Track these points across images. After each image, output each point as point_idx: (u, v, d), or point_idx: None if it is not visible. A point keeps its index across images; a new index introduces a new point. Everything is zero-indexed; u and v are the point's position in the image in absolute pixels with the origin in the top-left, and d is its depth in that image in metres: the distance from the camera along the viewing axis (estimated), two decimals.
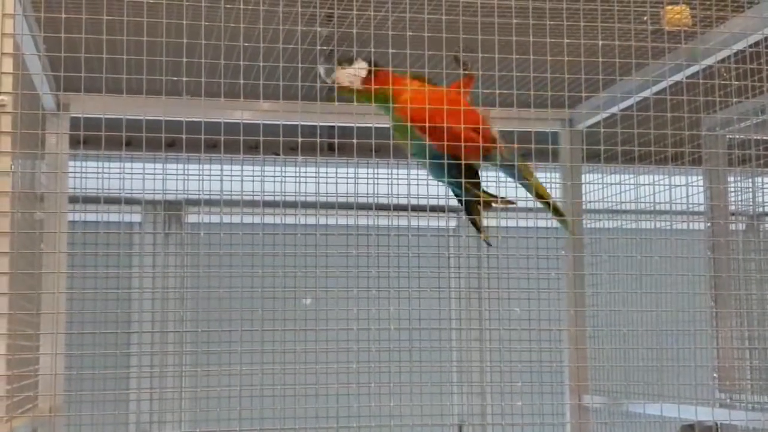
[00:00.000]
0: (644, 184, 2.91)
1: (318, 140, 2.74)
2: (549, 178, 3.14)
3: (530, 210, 3.16)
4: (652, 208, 3.01)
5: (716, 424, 2.44)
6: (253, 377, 2.78)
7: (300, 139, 2.68)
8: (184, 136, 2.59)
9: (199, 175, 2.99)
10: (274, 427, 2.55)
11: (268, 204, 3.01)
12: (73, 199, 3.08)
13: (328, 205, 3.14)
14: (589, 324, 2.98)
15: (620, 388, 2.88)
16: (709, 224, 2.96)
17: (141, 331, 2.77)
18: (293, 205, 3.17)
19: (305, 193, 3.11)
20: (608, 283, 3.01)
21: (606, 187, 3.07)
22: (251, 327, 2.76)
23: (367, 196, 3.19)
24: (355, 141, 2.74)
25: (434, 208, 3.17)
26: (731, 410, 2.45)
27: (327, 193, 3.09)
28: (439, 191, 3.07)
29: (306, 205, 3.19)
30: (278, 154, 3.16)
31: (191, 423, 2.95)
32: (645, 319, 2.78)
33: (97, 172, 2.91)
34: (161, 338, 3.08)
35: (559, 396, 2.94)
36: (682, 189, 2.93)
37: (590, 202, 3.07)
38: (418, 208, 3.09)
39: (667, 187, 2.84)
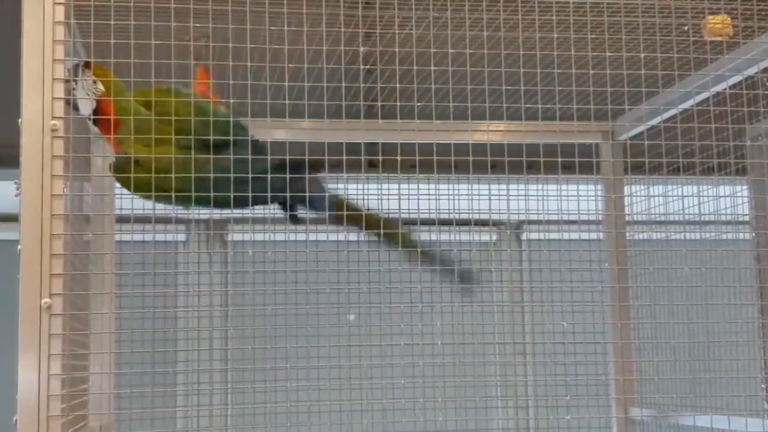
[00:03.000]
0: (688, 196, 2.89)
1: (362, 157, 2.77)
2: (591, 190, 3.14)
3: (573, 222, 3.16)
4: (696, 219, 3.00)
5: None
6: (299, 393, 2.80)
7: (344, 156, 2.71)
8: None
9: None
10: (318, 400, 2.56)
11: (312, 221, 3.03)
12: (120, 219, 3.12)
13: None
14: (634, 336, 2.96)
15: (667, 401, 2.86)
16: (754, 234, 2.93)
17: (188, 349, 2.80)
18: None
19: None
20: (653, 294, 2.99)
21: (649, 199, 3.06)
22: (296, 344, 2.77)
23: (409, 212, 3.20)
24: (398, 158, 2.76)
25: (477, 222, 3.18)
26: None
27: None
28: (480, 205, 3.08)
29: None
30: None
31: None
32: (692, 331, 2.76)
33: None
34: (209, 355, 3.11)
35: (606, 409, 2.93)
36: (726, 199, 2.91)
37: (634, 214, 3.06)
38: (461, 222, 3.10)
39: (711, 198, 2.83)
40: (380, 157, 2.87)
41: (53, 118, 1.83)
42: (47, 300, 1.81)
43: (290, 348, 2.73)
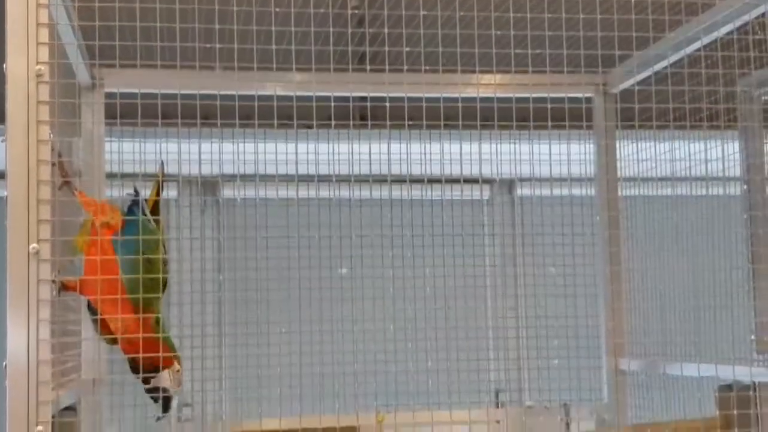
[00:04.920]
0: (679, 139, 2.89)
1: (350, 112, 2.77)
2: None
3: (564, 180, 3.16)
4: (687, 171, 2.99)
5: (754, 384, 2.42)
6: (291, 344, 2.81)
7: (332, 106, 2.70)
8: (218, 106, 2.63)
9: (233, 151, 3.02)
10: (314, 391, 2.58)
11: (302, 178, 3.04)
12: (110, 176, 3.12)
13: (361, 179, 3.15)
14: (625, 287, 2.97)
15: (657, 350, 2.88)
16: (744, 186, 2.93)
17: (183, 303, 2.81)
18: (327, 178, 3.19)
19: (338, 165, 3.12)
20: (644, 246, 3.00)
21: (641, 152, 3.05)
22: (288, 296, 2.79)
23: (401, 169, 3.19)
24: (387, 108, 2.75)
25: (467, 180, 3.18)
26: None
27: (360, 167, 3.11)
28: (472, 166, 3.08)
29: (340, 179, 3.21)
30: (311, 127, 3.18)
31: (232, 390, 3.00)
32: (681, 281, 2.78)
33: (133, 150, 2.93)
34: (201, 309, 3.11)
35: (596, 360, 2.95)
36: (717, 151, 2.90)
37: (626, 160, 3.05)
38: (452, 180, 3.10)
39: (702, 150, 2.83)
40: (369, 106, 2.85)
41: (38, 63, 1.81)
42: (35, 246, 1.81)
43: (281, 300, 2.74)
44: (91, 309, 2.19)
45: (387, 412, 2.76)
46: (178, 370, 2.18)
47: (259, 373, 2.76)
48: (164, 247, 2.22)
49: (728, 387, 2.48)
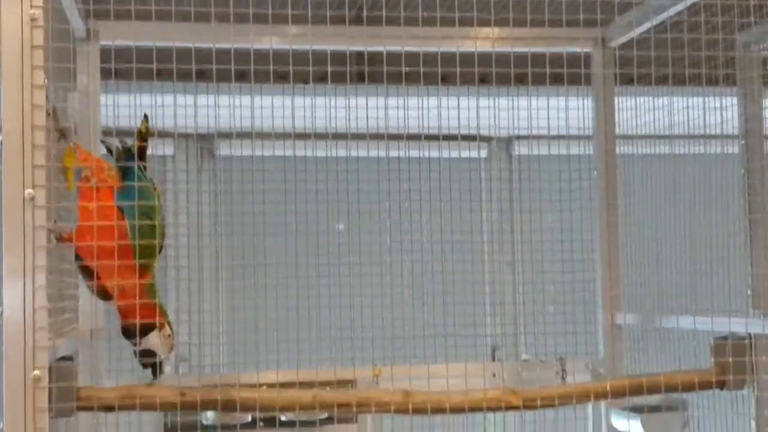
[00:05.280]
0: (677, 97, 2.88)
1: (347, 68, 2.75)
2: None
3: (562, 137, 3.16)
4: (685, 125, 2.99)
5: (750, 336, 2.43)
6: (288, 299, 2.82)
7: (329, 59, 2.68)
8: (214, 65, 2.61)
9: (230, 105, 3.00)
10: (311, 345, 2.60)
11: (299, 135, 3.03)
12: (107, 132, 3.11)
13: (359, 136, 3.15)
14: (621, 242, 2.98)
15: (653, 305, 2.89)
16: (742, 142, 2.93)
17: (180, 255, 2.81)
18: (324, 136, 3.19)
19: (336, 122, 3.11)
20: (642, 202, 3.00)
21: (639, 107, 3.04)
22: (285, 250, 2.79)
23: (398, 126, 3.18)
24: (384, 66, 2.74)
25: (465, 137, 3.17)
26: (766, 321, 2.45)
27: (358, 123, 3.10)
28: (470, 122, 3.07)
29: (337, 136, 3.20)
30: (307, 82, 3.16)
31: (229, 344, 3.02)
32: (678, 237, 2.78)
33: (129, 104, 2.92)
34: (198, 264, 3.12)
35: (592, 315, 2.96)
36: (716, 106, 2.90)
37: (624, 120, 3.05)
38: (450, 137, 3.09)
39: (700, 105, 2.82)
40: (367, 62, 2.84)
41: (32, 6, 1.80)
42: (30, 191, 1.81)
43: (279, 256, 2.75)
44: (78, 258, 2.20)
45: (383, 365, 2.78)
46: (169, 335, 2.18)
47: (256, 326, 2.77)
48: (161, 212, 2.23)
49: (724, 339, 2.49)
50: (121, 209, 2.12)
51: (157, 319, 2.16)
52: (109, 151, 2.31)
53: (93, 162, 2.18)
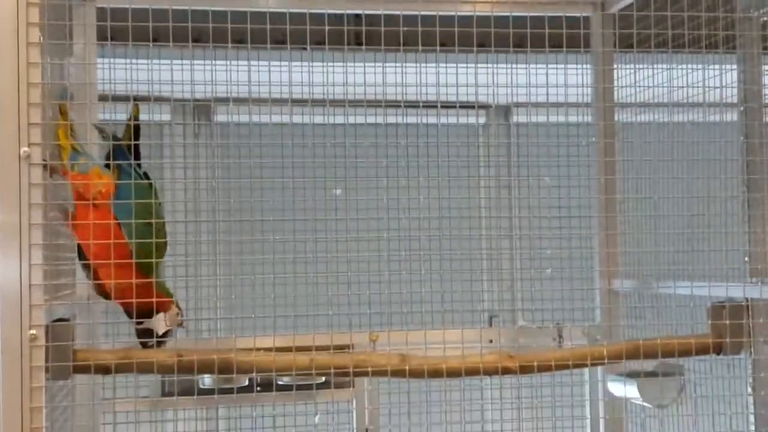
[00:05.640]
0: (678, 67, 2.86)
1: (345, 27, 2.73)
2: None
3: (561, 105, 3.14)
4: (684, 96, 2.98)
5: (747, 301, 2.44)
6: (285, 265, 2.82)
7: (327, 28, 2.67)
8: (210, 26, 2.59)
9: (226, 68, 2.98)
10: (307, 313, 2.60)
11: (296, 101, 3.01)
12: (102, 98, 3.09)
13: (356, 102, 3.13)
14: (620, 209, 2.98)
15: (651, 272, 2.89)
16: (742, 108, 2.92)
17: (175, 221, 2.80)
18: (322, 102, 3.17)
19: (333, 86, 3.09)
20: (640, 169, 2.99)
21: (638, 73, 3.03)
22: (283, 216, 2.78)
23: (396, 92, 3.16)
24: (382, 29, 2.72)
25: (464, 105, 3.16)
26: (763, 286, 2.45)
27: (355, 88, 3.08)
28: (468, 89, 3.05)
29: (334, 103, 3.19)
30: (305, 48, 3.14)
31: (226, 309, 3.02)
32: (676, 204, 2.78)
33: (126, 67, 2.90)
34: (196, 228, 3.11)
35: (589, 281, 2.96)
36: (715, 74, 2.89)
37: (623, 87, 3.04)
38: (448, 105, 3.08)
39: (699, 69, 2.80)
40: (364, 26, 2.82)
41: None
42: (26, 149, 1.80)
43: (275, 221, 2.73)
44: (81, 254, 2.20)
45: (380, 331, 2.78)
46: (178, 313, 2.19)
47: (253, 291, 2.77)
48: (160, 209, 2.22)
49: (721, 306, 2.50)
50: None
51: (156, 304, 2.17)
52: (103, 137, 2.29)
53: (86, 179, 2.13)
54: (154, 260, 2.14)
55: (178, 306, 2.21)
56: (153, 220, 2.15)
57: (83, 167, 2.11)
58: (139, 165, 2.27)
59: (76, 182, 2.10)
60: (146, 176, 2.27)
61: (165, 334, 2.22)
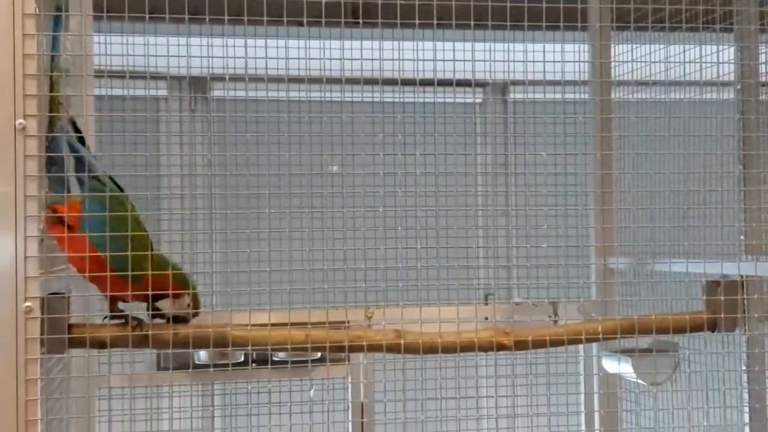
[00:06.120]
0: (674, 44, 2.86)
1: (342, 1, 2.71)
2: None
3: (557, 83, 3.14)
4: (681, 73, 2.98)
5: (742, 277, 2.44)
6: (281, 241, 2.81)
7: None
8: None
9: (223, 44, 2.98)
10: (303, 281, 2.60)
11: (293, 79, 3.00)
12: (99, 74, 3.08)
13: (353, 80, 3.12)
14: (616, 186, 2.98)
15: (647, 248, 2.90)
16: (739, 86, 2.92)
17: (170, 181, 2.80)
18: (318, 80, 3.16)
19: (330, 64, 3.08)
20: (635, 146, 2.99)
21: (635, 51, 3.03)
22: (279, 192, 2.78)
23: (393, 70, 3.16)
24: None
25: (460, 83, 3.16)
26: (758, 262, 2.46)
27: (352, 65, 3.07)
28: (465, 65, 3.05)
29: (331, 80, 3.18)
30: (302, 24, 3.13)
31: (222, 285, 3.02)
32: (672, 180, 2.78)
33: (122, 43, 2.89)
34: (191, 203, 3.11)
35: (585, 258, 2.96)
36: (712, 51, 2.88)
37: (620, 62, 3.03)
38: (445, 83, 3.07)
39: (696, 47, 2.80)
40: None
41: None
42: (21, 121, 1.80)
43: (273, 197, 2.73)
44: None
45: (376, 307, 2.79)
46: (189, 304, 2.19)
47: (249, 268, 2.76)
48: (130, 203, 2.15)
49: (716, 283, 2.50)
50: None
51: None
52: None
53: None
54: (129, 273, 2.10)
55: (195, 298, 2.21)
56: (129, 233, 2.07)
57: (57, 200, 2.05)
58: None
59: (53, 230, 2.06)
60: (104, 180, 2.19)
61: (177, 320, 2.22)
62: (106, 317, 2.18)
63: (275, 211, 2.55)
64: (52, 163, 1.93)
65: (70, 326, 2.09)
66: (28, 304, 1.84)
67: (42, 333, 1.89)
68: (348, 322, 2.76)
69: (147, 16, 2.57)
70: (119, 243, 2.03)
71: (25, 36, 1.79)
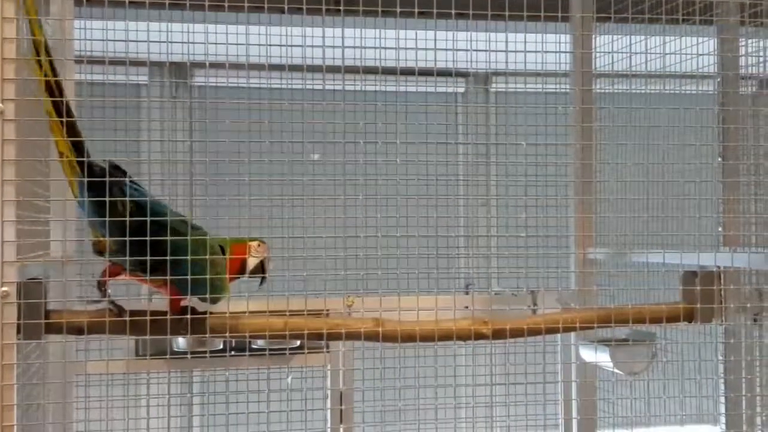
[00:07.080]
0: (655, 35, 2.87)
1: None
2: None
3: (539, 74, 3.15)
4: (661, 66, 2.99)
5: (719, 269, 2.46)
6: (261, 230, 2.81)
7: None
8: None
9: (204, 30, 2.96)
10: (283, 269, 2.60)
11: (273, 67, 2.99)
12: (78, 60, 3.06)
13: (334, 69, 3.11)
14: (595, 177, 2.99)
15: (625, 239, 2.91)
16: (718, 79, 2.93)
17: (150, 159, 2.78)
18: (299, 68, 3.15)
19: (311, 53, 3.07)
20: (615, 138, 3.01)
21: (616, 43, 3.04)
22: (259, 180, 2.77)
23: (375, 59, 3.15)
24: None
25: (442, 72, 3.16)
26: (735, 254, 2.48)
27: (333, 55, 3.06)
28: (447, 54, 3.05)
29: (312, 69, 3.17)
30: (283, 12, 3.12)
31: None
32: (652, 172, 2.79)
33: (103, 29, 2.87)
34: (172, 190, 3.09)
35: (565, 249, 2.98)
36: (692, 43, 2.90)
37: (602, 53, 3.04)
38: (426, 72, 3.07)
39: (676, 39, 2.81)
40: None
41: None
42: (0, 105, 1.78)
43: (253, 184, 2.72)
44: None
45: (355, 295, 2.79)
46: (258, 245, 2.38)
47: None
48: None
49: (693, 273, 2.52)
50: None
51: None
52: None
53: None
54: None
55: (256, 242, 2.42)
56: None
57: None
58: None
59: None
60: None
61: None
62: (91, 302, 2.20)
63: (255, 198, 2.54)
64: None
65: (48, 312, 2.08)
66: (4, 288, 1.83)
67: (19, 318, 1.88)
68: (327, 310, 2.77)
69: (127, 1, 2.56)
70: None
71: (4, 19, 1.77)
